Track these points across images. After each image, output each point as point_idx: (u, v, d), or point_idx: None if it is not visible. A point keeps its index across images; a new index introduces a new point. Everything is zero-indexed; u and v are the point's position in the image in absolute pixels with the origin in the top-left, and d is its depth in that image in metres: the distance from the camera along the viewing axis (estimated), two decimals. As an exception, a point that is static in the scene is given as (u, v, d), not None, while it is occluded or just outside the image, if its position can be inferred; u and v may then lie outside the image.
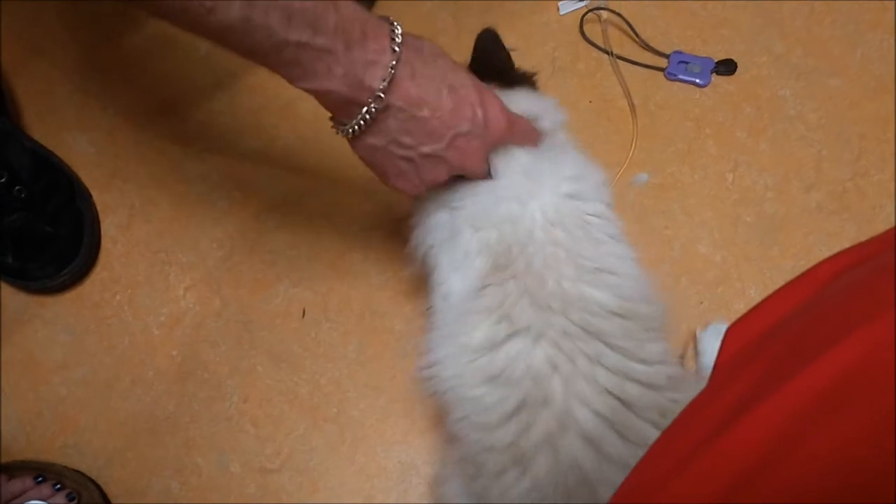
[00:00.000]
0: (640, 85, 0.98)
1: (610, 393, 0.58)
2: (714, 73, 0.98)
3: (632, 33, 0.99)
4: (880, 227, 0.90)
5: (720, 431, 0.33)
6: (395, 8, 1.04)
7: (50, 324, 0.92)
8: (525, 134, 0.67)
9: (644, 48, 0.99)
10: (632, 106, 0.96)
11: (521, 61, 1.00)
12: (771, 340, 0.36)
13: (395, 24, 0.56)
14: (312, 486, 0.84)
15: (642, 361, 0.60)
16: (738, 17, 1.01)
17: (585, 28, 1.00)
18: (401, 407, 0.86)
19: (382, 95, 0.55)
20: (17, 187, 0.89)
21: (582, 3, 1.01)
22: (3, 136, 0.91)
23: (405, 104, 0.56)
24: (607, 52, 0.99)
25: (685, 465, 0.33)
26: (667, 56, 0.98)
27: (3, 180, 0.88)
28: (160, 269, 0.93)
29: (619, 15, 0.99)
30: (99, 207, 0.96)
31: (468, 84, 0.59)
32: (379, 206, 0.93)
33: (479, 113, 0.59)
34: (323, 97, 0.57)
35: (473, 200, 0.65)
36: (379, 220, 0.93)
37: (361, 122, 0.57)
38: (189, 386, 0.88)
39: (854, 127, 0.95)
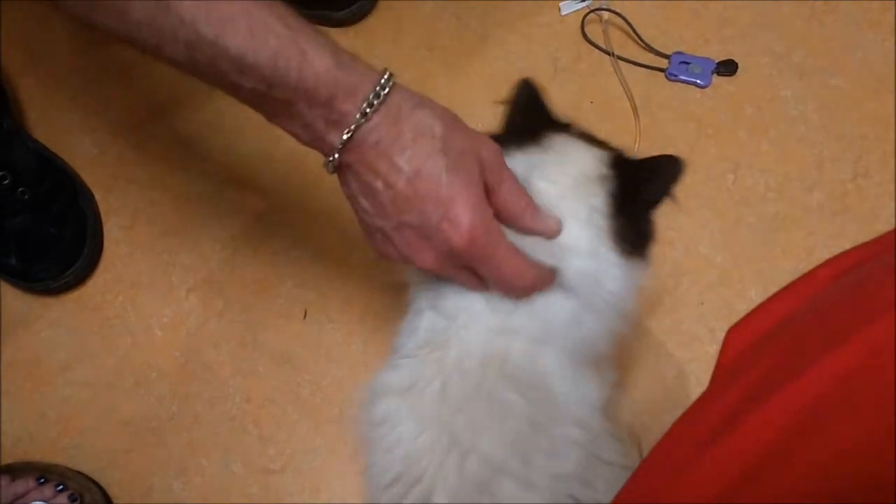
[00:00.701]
0: (641, 85, 0.98)
1: (478, 485, 0.56)
2: (715, 74, 0.98)
3: (633, 34, 0.99)
4: (881, 227, 0.90)
5: (722, 432, 0.33)
6: (396, 8, 1.04)
7: (53, 325, 0.92)
8: (505, 273, 0.55)
9: (645, 49, 0.99)
10: (634, 107, 0.96)
11: (522, 62, 1.01)
12: (772, 342, 0.36)
13: (383, 85, 0.51)
14: (314, 487, 0.84)
15: (528, 464, 0.56)
16: (739, 17, 1.01)
17: (587, 29, 1.01)
18: (403, 407, 0.86)
19: (338, 155, 0.53)
20: (20, 188, 0.89)
21: (583, 4, 1.02)
22: (7, 137, 0.91)
23: (360, 168, 0.53)
24: (608, 53, 0.99)
25: (688, 466, 0.33)
26: (668, 57, 0.98)
27: (6, 182, 0.88)
28: (163, 270, 0.93)
29: (620, 15, 0.99)
30: (102, 208, 0.96)
31: (440, 178, 0.51)
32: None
33: (436, 213, 0.52)
34: (290, 135, 0.55)
35: (442, 285, 0.60)
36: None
37: (329, 165, 0.54)
38: (192, 387, 0.88)
39: (855, 127, 0.95)
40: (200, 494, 0.84)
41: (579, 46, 1.01)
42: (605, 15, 1.00)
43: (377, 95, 0.51)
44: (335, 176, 0.57)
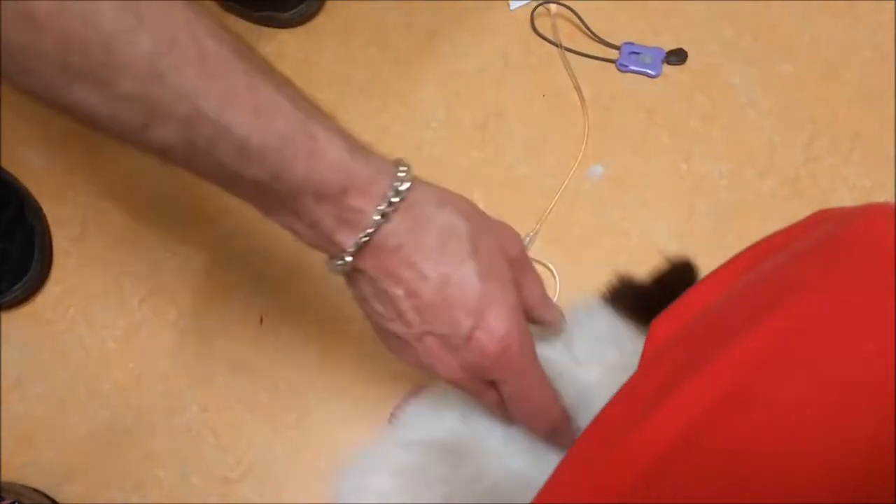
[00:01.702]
0: (592, 77, 0.98)
1: None
2: (665, 63, 0.98)
3: (582, 26, 0.99)
4: (833, 210, 0.91)
5: (640, 420, 0.33)
6: (344, 7, 1.03)
7: (4, 341, 0.90)
8: (532, 396, 0.50)
9: (595, 40, 0.99)
10: (581, 99, 0.96)
11: (472, 57, 1.00)
12: (693, 328, 0.36)
13: (402, 180, 0.45)
14: (275, 495, 0.83)
15: None
16: (687, 5, 1.01)
17: (536, 22, 1.00)
18: (362, 410, 0.86)
19: (350, 259, 0.46)
20: (-37, 204, 0.88)
21: (532, -2, 1.01)
22: (-52, 153, 0.90)
23: (377, 275, 0.47)
24: (557, 46, 0.99)
25: (606, 454, 0.33)
26: (618, 47, 0.98)
27: (-52, 198, 0.87)
28: (114, 280, 0.92)
29: (569, 8, 0.99)
30: (51, 220, 0.94)
31: (473, 286, 0.46)
32: (335, 209, 0.92)
33: (468, 323, 0.46)
34: (291, 233, 0.49)
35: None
36: (336, 223, 0.92)
37: (337, 268, 0.48)
38: (147, 398, 0.87)
39: (805, 111, 0.95)
40: (159, 507, 0.83)
41: (529, 41, 1.00)
42: (553, 8, 1.00)
43: (396, 193, 0.45)
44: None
